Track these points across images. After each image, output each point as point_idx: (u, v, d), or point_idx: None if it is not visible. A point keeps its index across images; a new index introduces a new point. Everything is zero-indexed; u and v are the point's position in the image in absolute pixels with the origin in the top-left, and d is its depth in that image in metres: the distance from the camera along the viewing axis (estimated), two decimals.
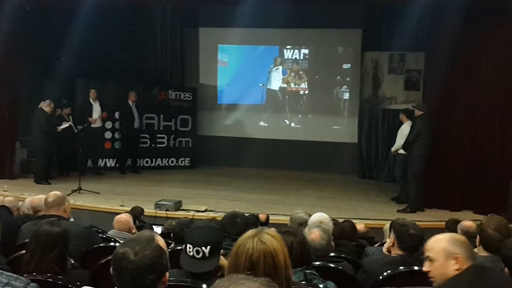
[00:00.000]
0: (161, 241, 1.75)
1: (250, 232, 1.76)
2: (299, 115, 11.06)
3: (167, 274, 1.73)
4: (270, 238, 1.70)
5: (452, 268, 2.01)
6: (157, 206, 6.52)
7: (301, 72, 10.94)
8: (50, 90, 8.54)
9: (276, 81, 11.09)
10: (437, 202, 7.20)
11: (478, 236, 2.93)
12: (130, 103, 9.49)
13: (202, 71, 11.28)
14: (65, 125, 8.51)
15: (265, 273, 1.55)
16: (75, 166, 8.72)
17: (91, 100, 9.12)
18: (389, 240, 3.10)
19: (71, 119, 8.75)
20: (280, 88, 11.07)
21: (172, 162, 10.43)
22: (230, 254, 1.74)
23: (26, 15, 8.14)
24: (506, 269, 2.44)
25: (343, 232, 4.20)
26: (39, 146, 8.21)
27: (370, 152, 10.31)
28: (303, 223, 3.77)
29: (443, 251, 2.06)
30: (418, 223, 5.46)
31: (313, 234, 3.00)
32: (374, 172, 10.27)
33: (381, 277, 2.70)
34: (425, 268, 2.13)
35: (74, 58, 8.80)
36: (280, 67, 11.04)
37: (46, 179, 8.21)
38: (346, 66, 10.59)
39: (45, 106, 8.13)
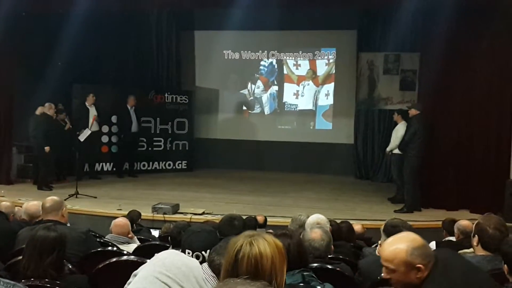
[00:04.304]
0: None
1: (246, 232, 1.73)
2: (295, 117, 11.07)
3: None
4: (263, 242, 1.63)
5: (415, 276, 1.99)
6: (155, 209, 6.50)
7: (297, 74, 10.95)
8: (47, 95, 8.50)
9: (271, 82, 11.11)
10: (434, 201, 7.21)
11: (476, 236, 2.90)
12: (129, 107, 9.48)
13: (198, 74, 11.29)
14: (87, 132, 8.17)
15: (247, 275, 1.53)
16: (72, 170, 8.69)
17: (87, 104, 9.05)
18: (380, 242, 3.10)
19: (68, 123, 8.74)
20: (276, 90, 11.08)
21: (169, 165, 10.42)
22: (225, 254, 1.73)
23: (22, 20, 8.12)
24: (505, 266, 2.45)
25: (340, 233, 4.21)
26: (43, 151, 8.01)
27: (367, 152, 10.35)
28: (303, 225, 3.78)
29: (404, 263, 1.98)
30: (414, 223, 5.52)
31: (314, 234, 3.01)
32: (370, 172, 10.31)
33: (379, 277, 2.69)
34: (384, 276, 2.07)
35: (70, 62, 8.80)
36: (275, 69, 11.05)
37: (47, 184, 8.14)
38: (342, 67, 10.63)
39: (47, 109, 8.09)
